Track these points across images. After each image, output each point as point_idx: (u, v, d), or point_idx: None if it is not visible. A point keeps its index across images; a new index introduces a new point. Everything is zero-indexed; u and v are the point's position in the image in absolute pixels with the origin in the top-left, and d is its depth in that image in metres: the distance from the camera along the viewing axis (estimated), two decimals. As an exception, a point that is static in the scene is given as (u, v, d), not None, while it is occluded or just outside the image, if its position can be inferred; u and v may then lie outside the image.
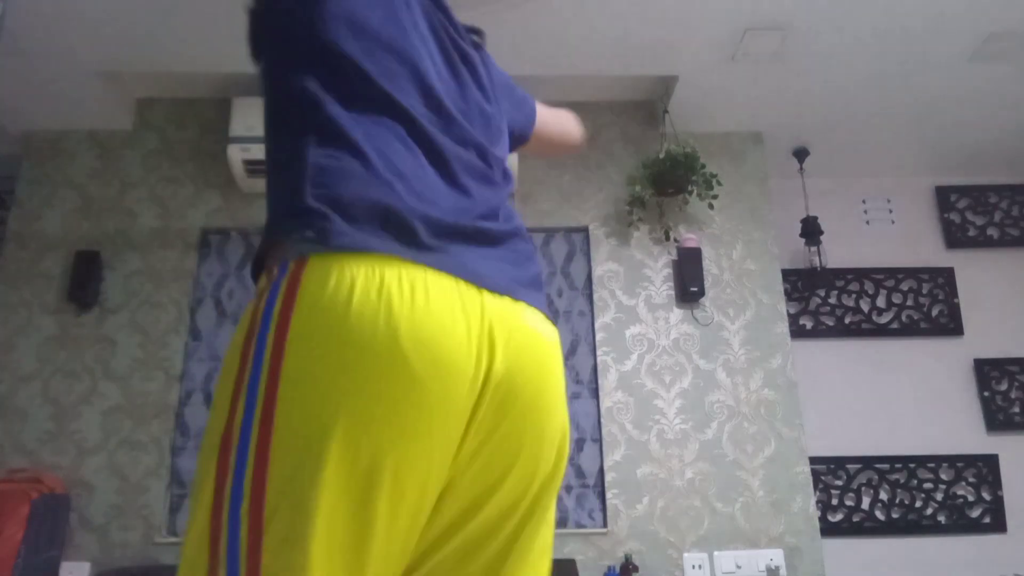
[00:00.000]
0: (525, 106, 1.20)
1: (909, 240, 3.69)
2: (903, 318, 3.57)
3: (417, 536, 0.72)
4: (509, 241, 0.83)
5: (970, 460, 3.37)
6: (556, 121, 1.28)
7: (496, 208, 0.84)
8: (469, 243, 0.77)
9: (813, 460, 3.04)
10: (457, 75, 0.91)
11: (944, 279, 3.61)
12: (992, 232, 3.71)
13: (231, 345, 0.71)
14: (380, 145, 0.76)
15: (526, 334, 0.77)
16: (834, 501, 3.33)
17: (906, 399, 3.44)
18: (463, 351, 0.70)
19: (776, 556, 2.71)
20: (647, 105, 3.27)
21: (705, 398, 2.90)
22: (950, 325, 3.55)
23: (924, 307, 3.58)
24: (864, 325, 3.56)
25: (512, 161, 2.91)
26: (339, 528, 0.64)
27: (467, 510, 0.75)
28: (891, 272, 3.62)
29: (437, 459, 0.70)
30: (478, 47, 1.02)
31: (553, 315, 3.00)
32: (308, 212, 0.70)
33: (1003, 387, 3.47)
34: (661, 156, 2.96)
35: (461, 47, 0.94)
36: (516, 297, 0.78)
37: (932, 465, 3.36)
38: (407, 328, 0.67)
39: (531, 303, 0.80)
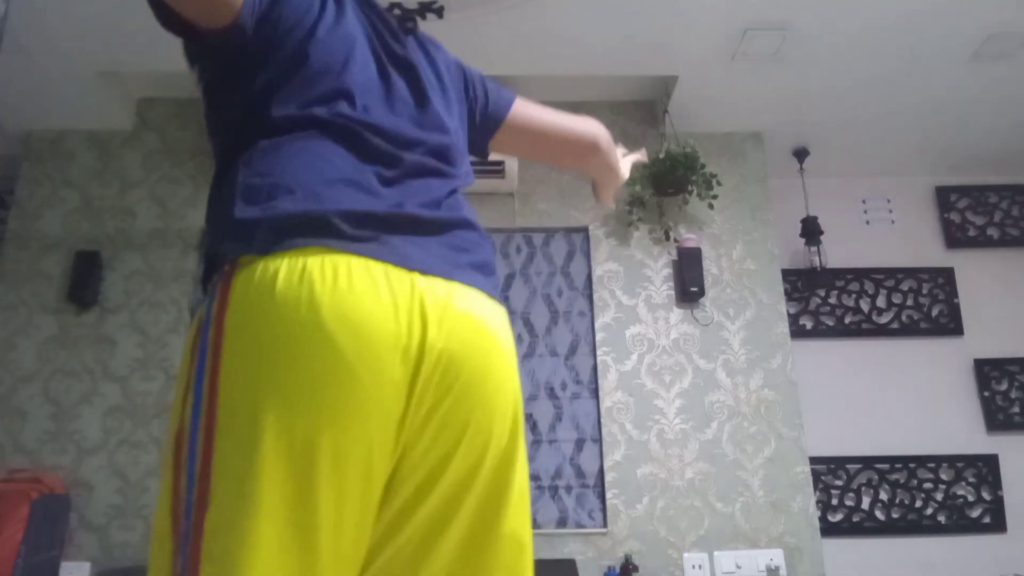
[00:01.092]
0: (491, 85, 1.17)
1: (909, 240, 3.69)
2: (903, 318, 3.57)
3: (372, 520, 0.73)
4: (453, 230, 0.85)
5: (970, 460, 3.37)
6: (554, 115, 1.20)
7: (438, 199, 0.85)
8: (402, 232, 0.78)
9: (813, 460, 3.04)
10: (387, 78, 0.92)
11: (944, 279, 3.61)
12: (992, 232, 3.71)
13: (183, 350, 0.76)
14: (308, 158, 0.79)
15: (462, 310, 0.78)
16: (834, 501, 3.33)
17: (906, 399, 3.44)
18: (389, 326, 0.71)
19: (776, 556, 2.71)
20: (647, 105, 3.27)
21: (705, 398, 2.90)
22: (950, 325, 3.55)
23: (924, 307, 3.58)
24: (864, 325, 3.56)
25: (512, 163, 2.91)
26: (281, 512, 0.65)
27: (421, 487, 0.76)
28: (891, 272, 3.62)
29: (377, 436, 0.71)
30: (410, 31, 1.02)
31: (553, 315, 3.00)
32: (237, 224, 0.75)
33: (1003, 387, 3.47)
34: (661, 156, 2.95)
35: (392, 49, 0.96)
36: (452, 278, 0.79)
37: (932, 465, 3.36)
38: (329, 307, 0.69)
39: (470, 283, 0.82)
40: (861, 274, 3.61)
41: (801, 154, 3.52)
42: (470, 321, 0.78)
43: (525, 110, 1.18)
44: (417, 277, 0.76)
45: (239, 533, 0.64)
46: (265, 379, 0.68)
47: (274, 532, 0.65)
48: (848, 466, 3.36)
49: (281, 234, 0.73)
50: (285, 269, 0.71)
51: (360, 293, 0.71)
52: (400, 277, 0.74)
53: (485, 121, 1.14)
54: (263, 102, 0.83)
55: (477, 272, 0.84)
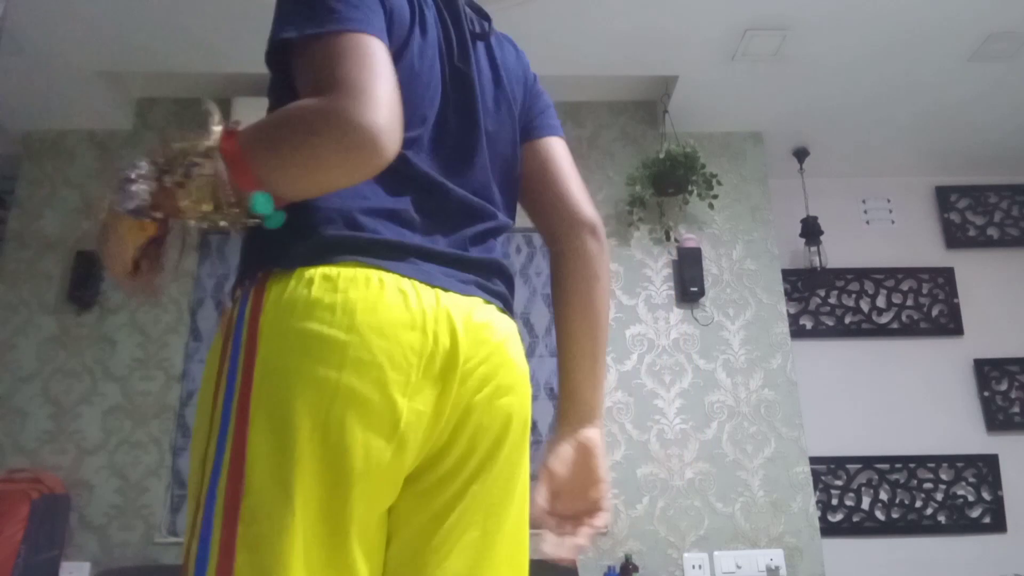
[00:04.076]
0: (549, 112, 1.13)
1: (909, 240, 3.69)
2: (903, 318, 3.57)
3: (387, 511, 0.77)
4: (482, 270, 0.88)
5: (970, 460, 3.37)
6: (577, 177, 1.08)
7: (469, 239, 0.89)
8: (431, 262, 0.82)
9: (813, 460, 3.04)
10: (445, 99, 0.92)
11: (944, 279, 3.61)
12: (992, 232, 3.71)
13: (211, 349, 0.79)
14: (353, 187, 0.80)
15: (479, 322, 0.83)
16: (834, 501, 3.32)
17: (906, 399, 3.44)
18: (417, 335, 0.76)
19: (776, 556, 2.71)
20: (647, 105, 3.27)
21: (705, 398, 2.90)
22: (950, 325, 3.55)
23: (924, 307, 3.58)
24: (864, 325, 3.56)
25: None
26: (315, 503, 0.68)
27: (439, 482, 0.80)
28: (891, 272, 3.62)
29: (406, 434, 0.74)
30: (481, 38, 1.02)
31: (553, 315, 3.00)
32: (277, 243, 0.78)
33: (1003, 387, 3.47)
34: (661, 156, 2.95)
35: (455, 64, 0.95)
36: (470, 294, 0.84)
37: (932, 465, 3.36)
38: (363, 313, 0.73)
39: (486, 299, 0.86)
40: (861, 274, 3.61)
41: (801, 154, 3.52)
42: (487, 331, 0.83)
43: (561, 150, 1.09)
44: (440, 292, 0.80)
45: (274, 522, 0.67)
46: (302, 375, 0.71)
47: (309, 522, 0.68)
48: (848, 466, 3.35)
49: (318, 252, 0.76)
50: (320, 278, 0.74)
51: (390, 303, 0.75)
52: (426, 291, 0.78)
53: (532, 131, 1.09)
54: None
55: (493, 295, 0.89)
